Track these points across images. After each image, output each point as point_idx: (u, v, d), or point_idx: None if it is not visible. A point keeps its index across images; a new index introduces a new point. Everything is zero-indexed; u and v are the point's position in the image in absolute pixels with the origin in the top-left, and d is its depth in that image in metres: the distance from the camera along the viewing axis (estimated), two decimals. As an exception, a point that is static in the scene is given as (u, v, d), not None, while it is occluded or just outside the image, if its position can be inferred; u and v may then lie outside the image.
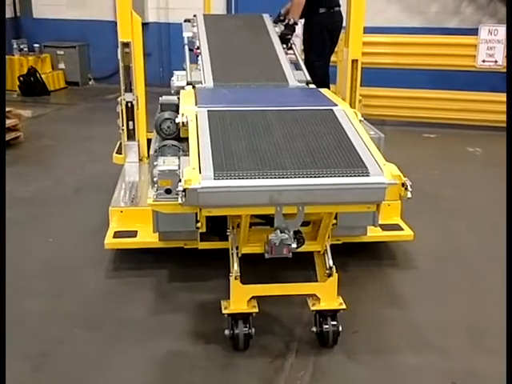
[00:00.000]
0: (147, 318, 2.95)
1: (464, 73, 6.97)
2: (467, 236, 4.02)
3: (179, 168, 2.60)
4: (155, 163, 2.72)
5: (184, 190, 2.25)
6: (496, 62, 6.75)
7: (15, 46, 8.95)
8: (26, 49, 9.08)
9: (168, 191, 2.68)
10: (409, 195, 2.38)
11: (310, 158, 2.47)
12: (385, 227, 3.48)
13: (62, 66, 9.32)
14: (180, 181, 2.30)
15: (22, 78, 8.66)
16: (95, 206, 4.15)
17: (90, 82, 9.64)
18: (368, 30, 6.71)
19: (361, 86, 6.73)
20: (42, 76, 8.79)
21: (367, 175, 2.38)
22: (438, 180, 5.17)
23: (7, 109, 6.07)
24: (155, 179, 2.69)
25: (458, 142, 6.47)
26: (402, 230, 3.53)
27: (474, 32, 6.80)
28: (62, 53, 9.28)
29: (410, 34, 7.21)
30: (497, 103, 6.68)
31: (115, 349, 2.71)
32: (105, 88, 9.06)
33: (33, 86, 8.66)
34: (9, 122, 5.95)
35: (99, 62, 9.39)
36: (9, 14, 9.36)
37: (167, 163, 2.69)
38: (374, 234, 3.40)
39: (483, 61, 6.77)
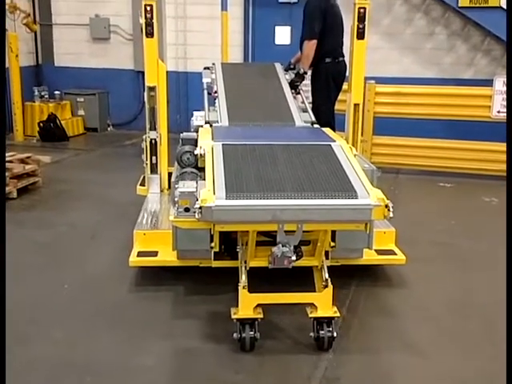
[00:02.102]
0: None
1: (479, 123, 7.46)
2: (481, 286, 4.32)
3: (197, 190, 3.38)
4: (176, 186, 3.51)
5: (200, 208, 2.98)
6: (511, 112, 7.42)
7: (36, 92, 9.99)
8: (46, 96, 10.12)
9: (187, 210, 3.44)
10: (391, 215, 3.12)
11: (308, 183, 3.22)
12: (380, 252, 4.22)
13: (81, 112, 10.33)
14: (197, 200, 3.07)
15: (41, 124, 9.57)
16: (110, 252, 4.69)
17: (109, 128, 10.62)
18: (382, 81, 7.75)
19: (375, 134, 7.66)
20: (62, 122, 9.70)
21: (356, 198, 3.12)
22: (453, 229, 5.57)
23: (27, 154, 6.82)
24: (176, 199, 3.46)
25: (473, 191, 6.95)
26: (395, 254, 4.28)
27: (488, 83, 7.48)
28: (82, 100, 10.31)
29: (424, 84, 7.85)
30: (512, 154, 7.31)
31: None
32: (123, 134, 10.04)
33: (52, 132, 9.55)
34: (28, 168, 6.56)
35: (118, 109, 10.44)
36: (31, 62, 10.53)
37: (187, 186, 3.47)
38: (369, 257, 4.14)
39: (498, 111, 7.32)
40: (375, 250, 4.17)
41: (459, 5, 8.36)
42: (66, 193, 6.57)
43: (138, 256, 4.11)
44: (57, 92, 10.21)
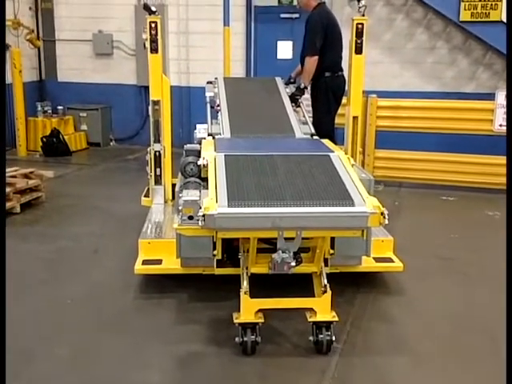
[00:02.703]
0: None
1: (481, 137, 7.64)
2: (483, 300, 4.43)
3: (200, 199, 3.62)
4: (180, 195, 3.75)
5: (203, 216, 3.21)
6: (513, 126, 7.52)
7: (39, 108, 10.25)
8: (49, 111, 10.37)
9: (190, 218, 3.67)
10: (386, 222, 3.34)
11: (306, 191, 3.45)
12: (378, 260, 4.46)
13: (84, 127, 10.59)
14: (200, 208, 3.30)
15: (44, 139, 9.79)
16: (113, 267, 4.88)
17: (111, 143, 10.87)
18: (384, 95, 8.00)
19: (378, 148, 7.87)
20: (65, 137, 9.93)
21: (352, 206, 3.35)
22: (456, 243, 5.71)
23: (30, 169, 6.99)
24: (180, 207, 3.70)
25: (477, 205, 7.08)
26: (393, 262, 4.51)
27: (490, 97, 7.70)
28: (84, 115, 10.58)
29: (426, 98, 8.07)
30: (515, 167, 7.41)
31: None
32: (125, 149, 10.30)
33: (55, 147, 9.76)
34: (31, 183, 6.70)
35: (121, 124, 10.71)
36: (34, 77, 10.81)
37: (190, 195, 3.71)
38: (368, 264, 4.36)
39: (500, 125, 7.47)
40: (373, 258, 4.42)
41: (460, 19, 8.60)
42: (69, 207, 6.75)
43: (142, 264, 4.36)
44: (60, 107, 10.48)
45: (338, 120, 6.06)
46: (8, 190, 6.23)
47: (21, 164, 8.02)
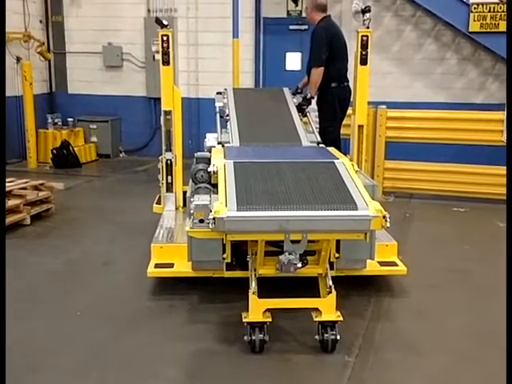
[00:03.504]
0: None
1: (491, 147, 7.73)
2: (497, 314, 4.35)
3: (210, 203, 3.93)
4: (192, 200, 4.08)
5: (214, 219, 3.51)
6: (524, 136, 7.72)
7: (50, 120, 10.69)
8: (60, 123, 10.81)
9: (201, 221, 3.98)
10: (388, 225, 3.64)
11: (311, 196, 3.76)
12: (383, 263, 4.78)
13: (94, 139, 11.02)
14: (211, 212, 3.61)
15: (55, 151, 10.22)
16: (123, 279, 5.10)
17: (121, 155, 11.28)
18: (394, 105, 8.29)
19: (387, 159, 8.13)
20: (75, 149, 10.35)
21: (356, 209, 3.64)
22: (468, 255, 5.83)
23: (40, 181, 7.22)
24: (191, 211, 4.02)
25: (488, 216, 7.19)
26: (397, 265, 4.82)
27: (500, 107, 7.88)
28: (94, 126, 11.00)
29: (436, 109, 8.30)
30: (527, 177, 7.56)
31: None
32: (135, 160, 10.72)
33: (65, 159, 10.19)
34: (41, 195, 6.92)
35: (130, 136, 11.13)
36: (45, 89, 11.27)
37: (201, 199, 4.03)
38: (372, 268, 4.67)
39: None
40: (378, 262, 4.73)
41: (470, 30, 8.94)
42: (79, 219, 6.99)
43: (155, 267, 4.69)
44: (70, 119, 10.93)
45: (343, 130, 6.39)
46: (18, 201, 6.50)
47: (31, 176, 8.37)
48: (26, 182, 7.05)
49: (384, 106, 8.06)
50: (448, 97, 9.56)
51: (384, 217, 3.59)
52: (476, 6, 8.79)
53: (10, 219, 6.28)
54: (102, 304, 4.64)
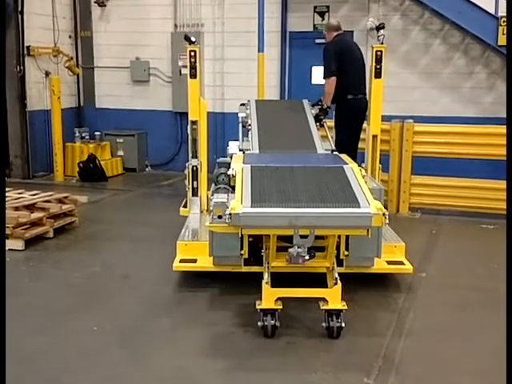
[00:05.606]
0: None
1: None
2: None
3: (227, 200, 4.82)
4: (211, 198, 5.00)
5: (230, 214, 4.35)
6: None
7: (77, 133, 11.70)
8: (87, 137, 11.82)
9: (220, 217, 4.90)
10: (387, 221, 4.47)
11: (319, 196, 4.60)
12: (390, 262, 5.66)
13: (120, 153, 11.99)
14: (228, 208, 4.48)
15: (81, 165, 11.18)
16: (143, 294, 5.57)
17: (147, 169, 12.24)
18: (422, 120, 8.99)
19: (414, 174, 8.73)
20: (102, 163, 11.29)
21: (358, 207, 4.49)
22: (496, 274, 6.02)
23: (64, 194, 7.80)
24: (211, 208, 4.94)
25: None
26: (403, 264, 5.68)
27: None
28: (121, 140, 11.98)
29: (465, 123, 8.86)
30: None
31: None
32: (160, 174, 11.65)
33: (91, 172, 11.12)
34: (64, 208, 7.41)
35: (156, 150, 12.10)
36: (73, 103, 12.33)
37: (220, 197, 4.97)
38: (380, 266, 5.54)
39: None
40: (386, 261, 5.61)
41: (499, 43, 9.57)
42: (102, 233, 7.56)
43: (180, 262, 5.67)
44: (97, 133, 11.91)
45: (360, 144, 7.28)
46: (41, 214, 7.07)
47: (57, 189, 9.23)
48: (51, 195, 7.61)
49: (411, 120, 8.60)
50: (477, 111, 10.21)
51: (384, 214, 4.40)
52: (505, 19, 9.32)
53: (33, 232, 6.86)
54: (118, 320, 5.06)
